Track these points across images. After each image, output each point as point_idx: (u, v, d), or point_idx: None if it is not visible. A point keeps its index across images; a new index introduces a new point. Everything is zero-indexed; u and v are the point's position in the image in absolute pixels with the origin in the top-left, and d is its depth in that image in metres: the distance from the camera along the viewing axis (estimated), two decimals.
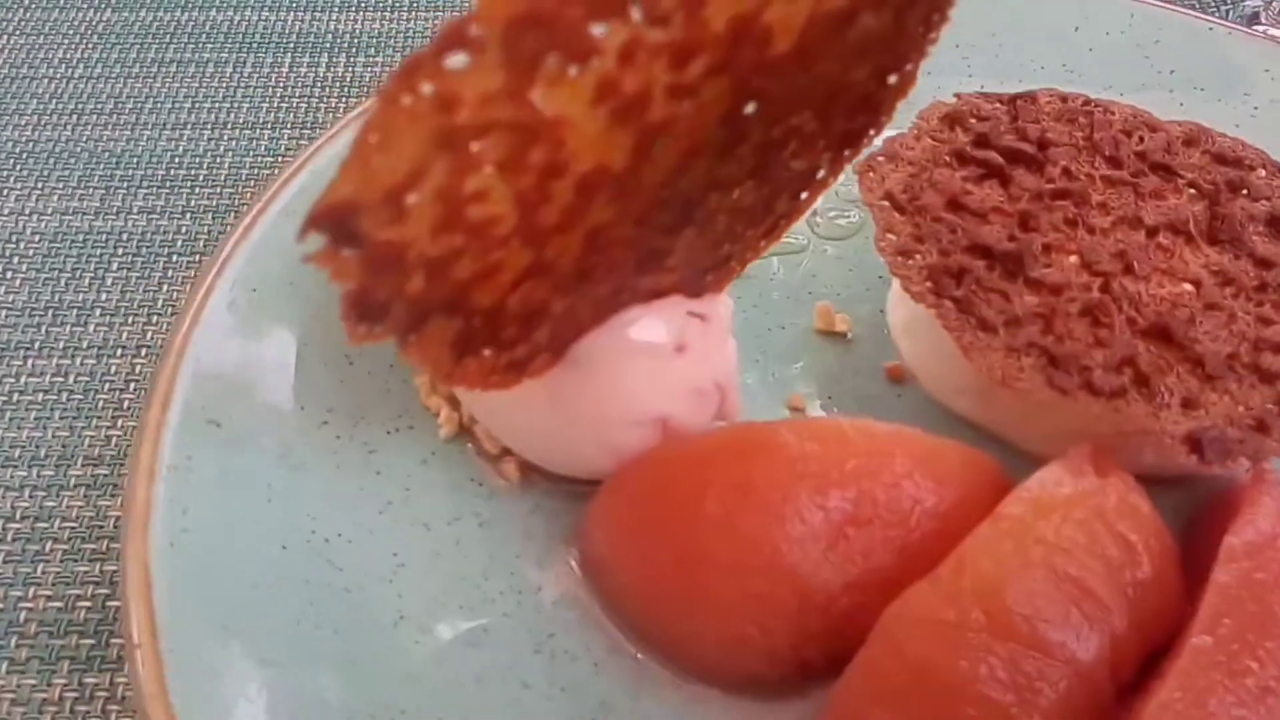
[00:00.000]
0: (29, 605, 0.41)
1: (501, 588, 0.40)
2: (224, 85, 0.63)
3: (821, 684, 0.37)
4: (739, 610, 0.36)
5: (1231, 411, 0.39)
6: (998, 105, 0.49)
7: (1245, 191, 0.46)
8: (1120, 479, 0.37)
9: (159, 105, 0.62)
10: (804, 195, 0.39)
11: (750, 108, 0.32)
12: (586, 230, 0.32)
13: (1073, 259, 0.43)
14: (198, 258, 0.54)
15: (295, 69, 0.64)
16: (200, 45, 0.66)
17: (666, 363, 0.39)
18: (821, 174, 0.38)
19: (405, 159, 0.26)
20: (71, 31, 0.66)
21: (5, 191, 0.57)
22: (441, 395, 0.45)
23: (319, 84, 0.63)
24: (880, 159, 0.46)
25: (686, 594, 0.37)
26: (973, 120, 0.48)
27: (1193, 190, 0.46)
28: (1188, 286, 0.43)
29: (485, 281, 0.31)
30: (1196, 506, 0.42)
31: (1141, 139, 0.48)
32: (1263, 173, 0.47)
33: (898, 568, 0.36)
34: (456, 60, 0.25)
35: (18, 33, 0.66)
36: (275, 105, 0.62)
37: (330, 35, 0.66)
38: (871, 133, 0.38)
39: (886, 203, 0.45)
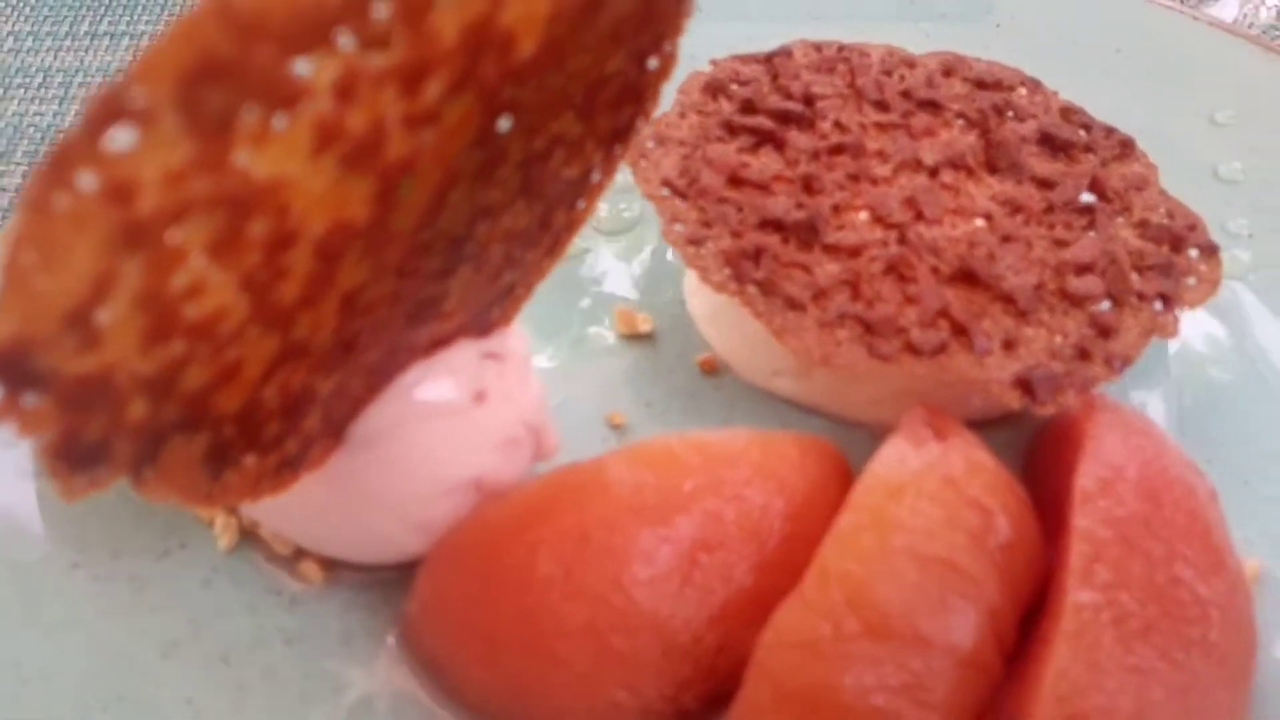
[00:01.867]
0: None
1: (327, 709, 0.34)
2: None
3: None
4: (601, 674, 0.32)
5: (1050, 344, 0.38)
6: (755, 66, 0.47)
7: (1011, 113, 0.46)
8: (961, 439, 0.36)
9: (90, 79, 0.58)
10: (581, 203, 0.35)
11: (505, 123, 0.28)
12: (339, 297, 0.27)
13: (863, 215, 0.41)
14: None
15: None
16: (135, 18, 0.62)
17: (466, 418, 0.34)
18: (596, 177, 0.34)
19: (80, 273, 0.20)
20: (1, 4, 0.62)
21: None
22: None
23: None
24: (650, 145, 0.43)
25: (538, 669, 0.33)
26: (734, 86, 0.46)
27: (961, 121, 0.45)
28: (980, 222, 0.42)
29: (226, 384, 0.26)
30: (1027, 441, 0.41)
31: (902, 77, 0.47)
32: (1023, 91, 0.47)
33: (761, 585, 0.33)
34: (121, 138, 0.19)
35: None
36: None
37: None
38: (639, 122, 0.35)
39: (666, 190, 0.42)
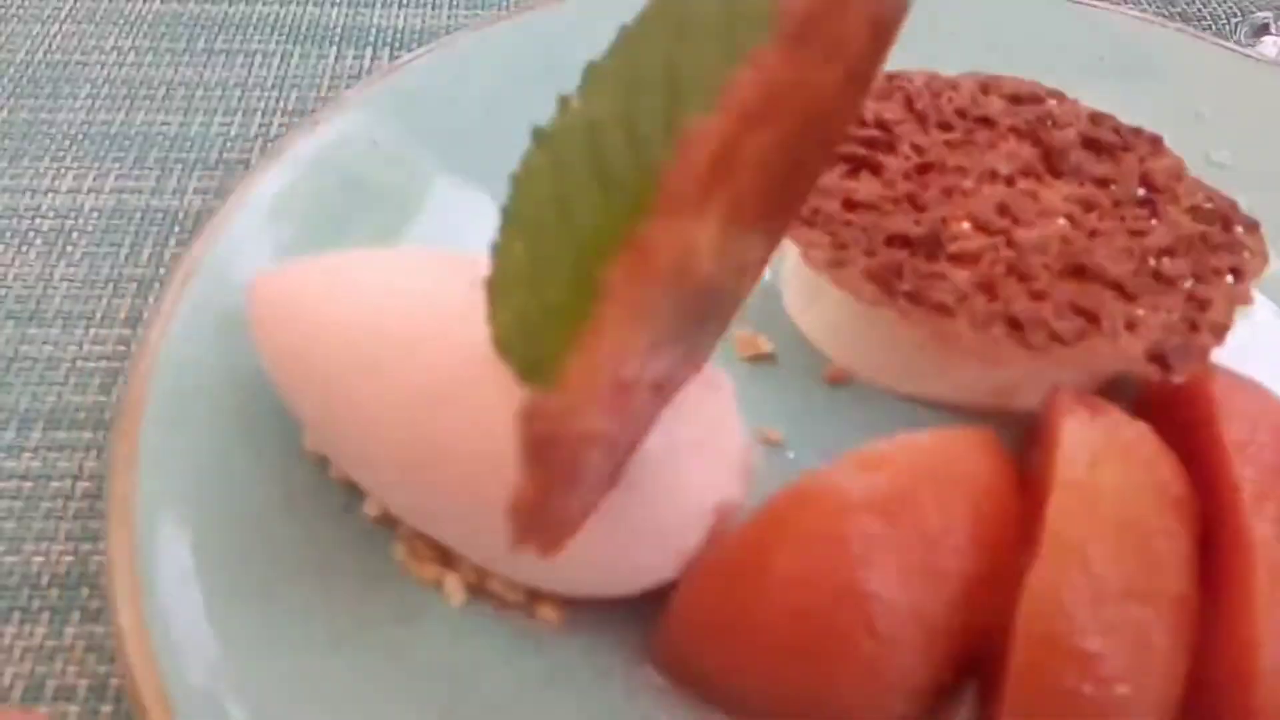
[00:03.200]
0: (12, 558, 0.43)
1: None
2: (271, 74, 0.67)
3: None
4: (875, 665, 0.35)
5: (1163, 321, 0.43)
6: None
7: (1051, 122, 0.52)
8: (1115, 412, 0.40)
9: (209, 92, 0.65)
10: None
11: None
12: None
13: (965, 225, 0.46)
14: None
15: (340, 60, 0.68)
16: (248, 36, 0.69)
17: (711, 447, 0.37)
18: None
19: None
20: (123, 20, 0.70)
21: (63, 171, 0.59)
22: (427, 560, 0.40)
23: (363, 75, 0.67)
24: None
25: (817, 668, 0.36)
26: None
27: (1014, 134, 0.51)
28: (1062, 221, 0.47)
29: None
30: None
31: (950, 98, 0.52)
32: (1054, 102, 0.53)
33: (983, 564, 0.37)
34: None
35: (69, 19, 0.69)
36: (322, 94, 0.65)
37: (373, 29, 0.71)
38: None
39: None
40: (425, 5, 0.73)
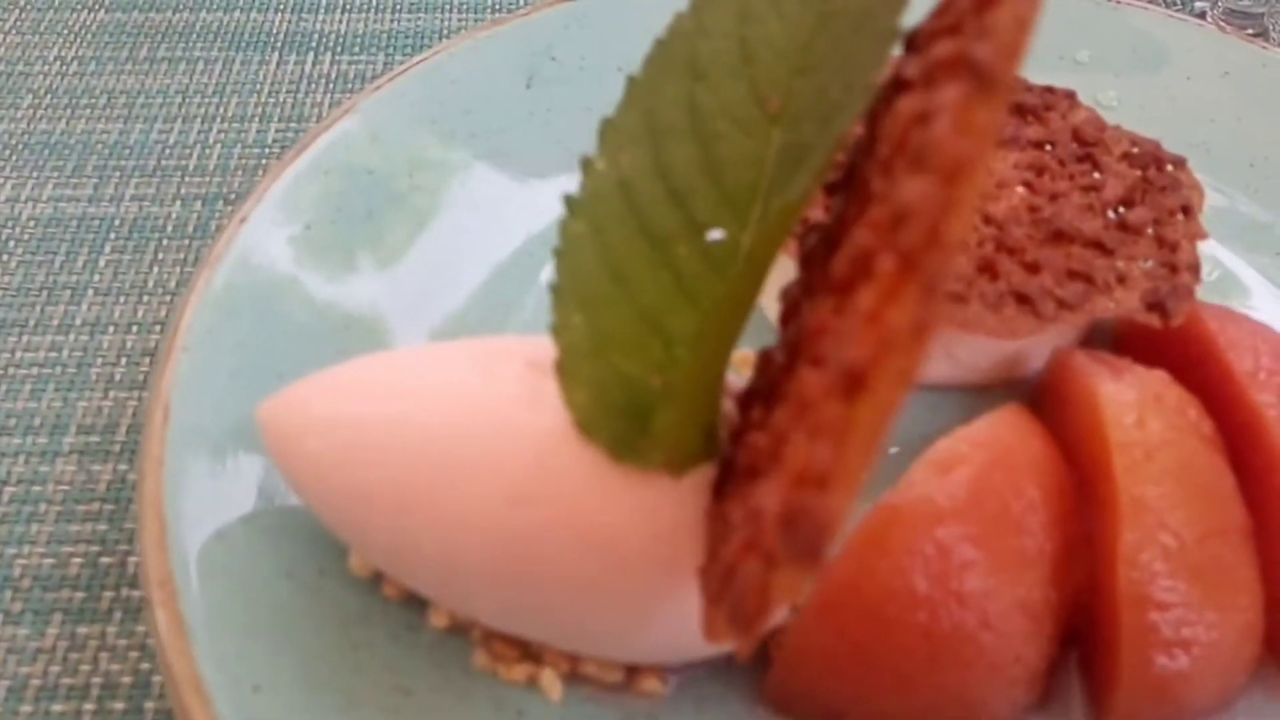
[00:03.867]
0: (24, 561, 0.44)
1: None
2: (212, 81, 0.67)
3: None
4: (996, 658, 0.36)
5: (1147, 269, 0.45)
6: None
7: None
8: (1131, 365, 0.42)
9: (150, 100, 0.66)
10: None
11: None
12: None
13: None
14: (187, 241, 0.57)
15: (282, 66, 0.68)
16: (190, 44, 0.70)
17: None
18: None
19: None
20: (65, 30, 0.70)
21: (2, 181, 0.60)
22: (513, 660, 0.38)
23: (304, 80, 0.67)
24: None
25: (942, 678, 0.36)
26: None
27: None
28: (1021, 190, 0.49)
29: None
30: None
31: None
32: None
33: (1061, 538, 0.38)
34: None
35: (14, 31, 0.70)
36: (262, 100, 0.66)
37: (315, 35, 0.71)
38: None
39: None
40: (367, 10, 0.74)
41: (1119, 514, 0.38)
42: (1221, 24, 0.71)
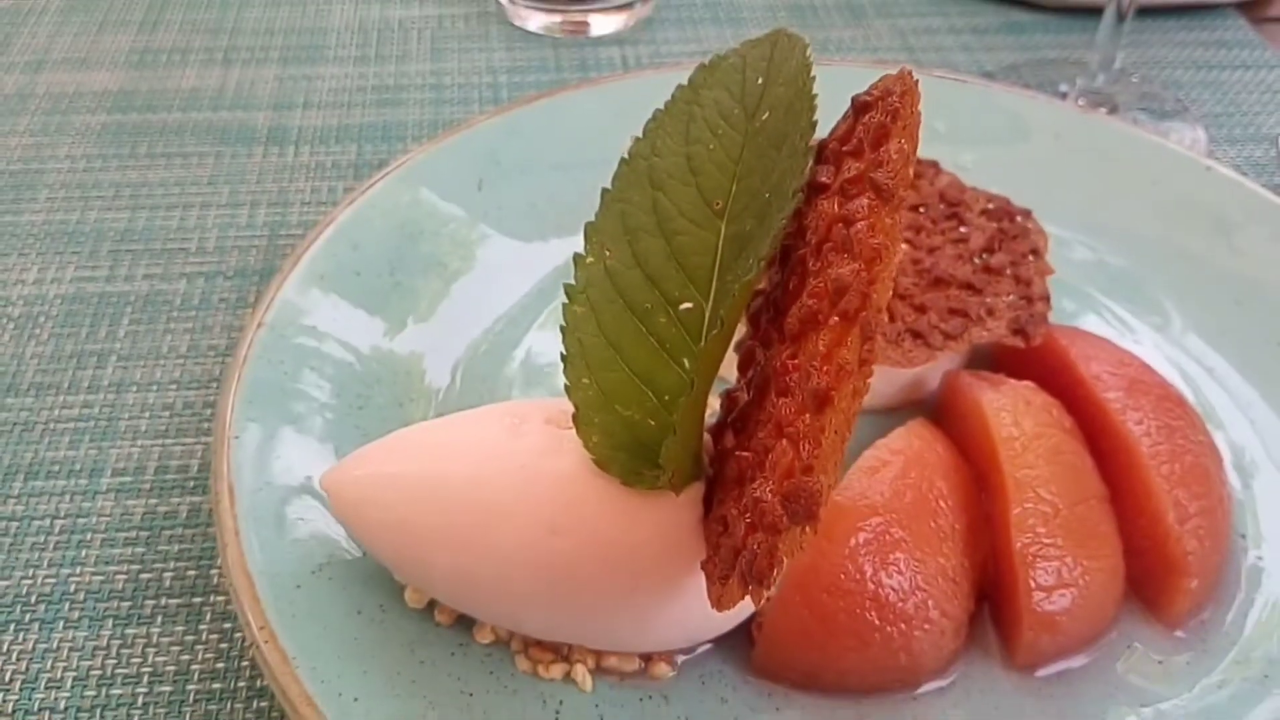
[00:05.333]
0: (77, 579, 0.53)
1: None
2: (205, 173, 0.78)
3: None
4: (934, 610, 0.46)
5: (1007, 303, 0.57)
6: None
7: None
8: (1001, 378, 0.54)
9: (152, 191, 0.76)
10: None
11: None
12: None
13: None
14: (193, 312, 0.67)
15: (266, 157, 0.79)
16: (184, 140, 0.81)
17: None
18: None
19: None
20: (73, 131, 0.82)
21: (29, 265, 0.70)
22: (550, 662, 0.46)
23: (286, 169, 0.78)
24: None
25: (895, 633, 0.46)
26: None
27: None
28: (905, 247, 0.60)
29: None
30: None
31: None
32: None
33: (967, 518, 0.49)
34: None
35: (26, 133, 0.81)
36: (250, 188, 0.77)
37: (295, 130, 0.82)
38: None
39: None
40: (341, 107, 0.85)
41: (1007, 493, 0.49)
42: (1079, 103, 0.83)
